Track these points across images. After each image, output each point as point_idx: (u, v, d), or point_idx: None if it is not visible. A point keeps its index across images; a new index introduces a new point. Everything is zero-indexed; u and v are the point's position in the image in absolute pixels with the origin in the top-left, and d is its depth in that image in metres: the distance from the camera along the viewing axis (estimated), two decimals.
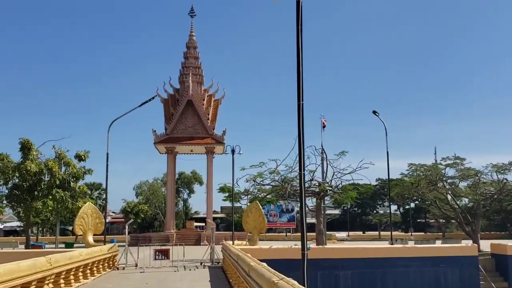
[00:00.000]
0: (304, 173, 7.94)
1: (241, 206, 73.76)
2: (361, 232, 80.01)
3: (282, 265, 12.90)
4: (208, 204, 50.86)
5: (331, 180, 26.50)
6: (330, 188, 26.25)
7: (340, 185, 26.65)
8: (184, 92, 50.17)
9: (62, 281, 13.48)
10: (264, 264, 10.03)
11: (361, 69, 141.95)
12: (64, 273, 13.57)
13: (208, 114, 50.73)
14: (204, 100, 51.29)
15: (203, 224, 62.11)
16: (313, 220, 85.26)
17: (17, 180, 34.39)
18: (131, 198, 70.94)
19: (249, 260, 10.62)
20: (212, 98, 52.04)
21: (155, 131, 49.17)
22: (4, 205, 35.74)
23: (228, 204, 74.35)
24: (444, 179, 34.40)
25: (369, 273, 23.22)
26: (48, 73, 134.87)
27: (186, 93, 49.62)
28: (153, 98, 25.61)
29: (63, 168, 35.52)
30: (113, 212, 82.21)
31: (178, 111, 49.56)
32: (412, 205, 76.52)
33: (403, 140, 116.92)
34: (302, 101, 7.28)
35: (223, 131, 49.78)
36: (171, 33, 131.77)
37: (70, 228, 72.54)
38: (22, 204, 35.10)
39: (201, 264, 22.13)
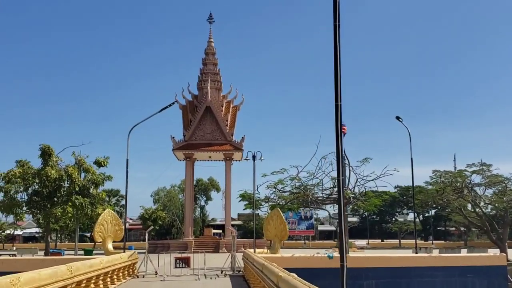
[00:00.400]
0: (342, 179, 7.40)
1: (258, 214, 73.54)
2: (380, 240, 78.92)
3: (305, 274, 12.42)
4: (227, 211, 50.45)
5: (354, 187, 25.89)
6: (353, 196, 25.62)
7: (364, 192, 25.98)
8: (202, 98, 49.98)
9: None
10: (294, 274, 9.55)
11: (379, 76, 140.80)
12: (84, 281, 13.24)
13: (227, 121, 50.40)
14: (222, 106, 51.00)
15: (220, 231, 61.93)
16: (331, 228, 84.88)
17: (37, 187, 34.30)
18: (148, 205, 70.94)
19: (277, 271, 10.14)
20: (230, 104, 51.74)
21: (173, 137, 49.01)
22: (24, 211, 35.69)
23: (245, 211, 74.42)
24: (470, 186, 33.49)
25: (394, 283, 22.57)
26: (68, 81, 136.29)
27: (205, 100, 49.41)
28: (172, 103, 25.29)
29: (83, 175, 35.40)
30: (130, 219, 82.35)
31: (197, 117, 49.34)
32: (432, 212, 75.30)
33: (420, 146, 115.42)
34: (340, 101, 6.82)
35: (242, 137, 49.50)
36: (190, 39, 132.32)
37: (88, 234, 72.74)
38: (41, 211, 35.03)
39: (221, 272, 21.71)
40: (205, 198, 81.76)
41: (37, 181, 33.74)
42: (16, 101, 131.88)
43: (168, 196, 77.58)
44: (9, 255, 37.57)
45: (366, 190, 25.86)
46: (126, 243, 26.58)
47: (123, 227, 23.73)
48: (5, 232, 72.51)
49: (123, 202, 72.65)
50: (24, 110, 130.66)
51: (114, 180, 40.47)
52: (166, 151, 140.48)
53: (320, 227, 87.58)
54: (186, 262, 20.03)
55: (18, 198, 34.55)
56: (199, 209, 79.33)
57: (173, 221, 74.44)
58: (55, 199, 34.36)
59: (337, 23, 6.48)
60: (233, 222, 68.19)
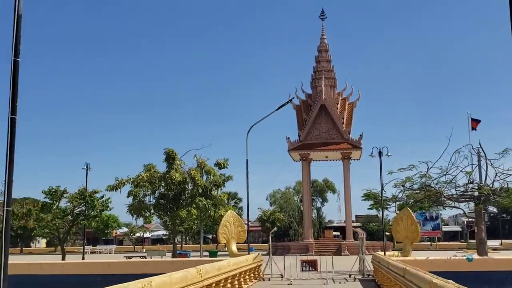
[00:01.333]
0: None
1: (377, 215, 70.73)
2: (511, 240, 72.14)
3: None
4: (347, 212, 49.01)
5: (493, 182, 23.30)
6: (492, 191, 23.05)
7: (506, 188, 23.24)
8: (316, 96, 49.02)
9: None
10: (451, 281, 8.21)
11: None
12: (214, 285, 12.84)
13: (343, 118, 48.97)
14: (338, 103, 49.69)
15: (338, 233, 60.65)
16: (457, 228, 79.28)
17: (163, 190, 35.62)
18: (264, 207, 71.59)
19: (429, 277, 8.83)
20: (346, 101, 50.28)
21: (288, 138, 48.61)
22: (152, 214, 37.22)
23: (363, 212, 72.06)
24: None
25: None
26: (187, 83, 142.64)
27: (319, 98, 48.39)
28: (290, 100, 24.71)
29: (205, 177, 36.13)
30: (250, 221, 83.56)
31: (311, 116, 48.49)
32: None
33: None
34: None
35: (360, 135, 47.77)
36: (302, 38, 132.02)
37: (210, 236, 75.04)
38: (168, 213, 36.27)
39: (349, 276, 20.50)
40: (321, 200, 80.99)
41: (163, 184, 35.00)
42: (140, 105, 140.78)
43: (284, 198, 77.79)
44: (140, 257, 39.40)
45: (509, 185, 23.12)
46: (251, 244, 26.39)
47: (246, 228, 23.47)
48: (136, 234, 77.24)
49: (241, 204, 74.02)
50: (149, 113, 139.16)
51: (231, 183, 41.04)
52: (280, 153, 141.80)
53: (445, 228, 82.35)
54: (313, 265, 19.15)
55: (146, 202, 36.11)
56: (315, 211, 78.51)
57: (290, 223, 74.31)
58: (180, 201, 35.39)
59: None
60: (352, 224, 66.43)
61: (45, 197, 41.21)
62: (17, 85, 5.85)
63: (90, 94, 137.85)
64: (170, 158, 35.24)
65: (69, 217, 40.70)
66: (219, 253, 41.40)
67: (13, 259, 10.22)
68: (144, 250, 60.52)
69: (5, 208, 6.71)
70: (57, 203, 40.17)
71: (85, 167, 39.10)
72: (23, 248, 76.03)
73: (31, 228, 53.57)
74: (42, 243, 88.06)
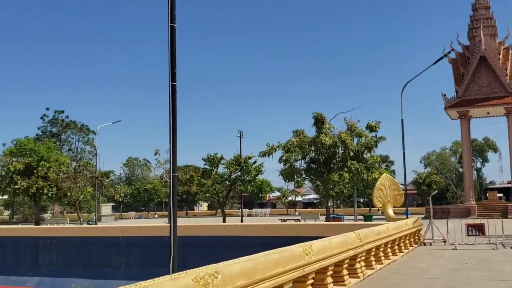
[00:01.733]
0: None
1: None
2: None
3: None
4: None
5: None
6: None
7: None
8: (475, 48, 44.79)
9: (372, 258, 12.39)
10: None
11: None
12: (373, 249, 12.45)
13: (506, 70, 44.26)
14: (499, 54, 44.94)
15: (502, 194, 56.13)
16: None
17: (313, 154, 35.73)
18: (418, 170, 68.77)
19: None
20: (509, 50, 45.23)
21: (445, 95, 45.36)
22: (303, 178, 37.66)
23: None
24: None
25: None
26: (337, 50, 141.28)
27: (478, 49, 44.15)
28: (446, 54, 22.70)
29: (355, 140, 35.42)
30: (401, 184, 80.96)
31: (470, 70, 44.55)
32: None
33: None
34: None
35: None
36: None
37: (362, 199, 74.24)
38: (319, 177, 36.38)
39: None
40: (481, 160, 75.89)
41: (313, 148, 35.08)
42: (289, 75, 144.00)
43: (440, 159, 74.22)
44: (294, 220, 40.32)
45: None
46: (402, 208, 25.40)
47: (402, 192, 22.47)
48: (288, 198, 79.49)
49: (392, 167, 71.91)
50: (294, 77, 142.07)
51: (381, 146, 39.86)
52: (435, 112, 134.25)
53: None
54: (480, 229, 17.71)
55: (298, 166, 36.60)
56: (475, 172, 73.59)
57: (448, 185, 70.66)
58: (331, 165, 35.22)
59: None
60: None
61: (204, 164, 44.14)
62: (175, 52, 5.94)
63: (244, 66, 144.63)
64: (319, 122, 35.04)
65: (227, 182, 43.03)
66: (375, 217, 40.67)
67: (180, 222, 10.87)
68: (298, 213, 61.97)
69: (171, 174, 6.98)
70: (216, 169, 42.73)
71: (238, 135, 40.72)
72: (188, 211, 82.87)
73: (194, 192, 57.75)
74: (204, 206, 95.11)
